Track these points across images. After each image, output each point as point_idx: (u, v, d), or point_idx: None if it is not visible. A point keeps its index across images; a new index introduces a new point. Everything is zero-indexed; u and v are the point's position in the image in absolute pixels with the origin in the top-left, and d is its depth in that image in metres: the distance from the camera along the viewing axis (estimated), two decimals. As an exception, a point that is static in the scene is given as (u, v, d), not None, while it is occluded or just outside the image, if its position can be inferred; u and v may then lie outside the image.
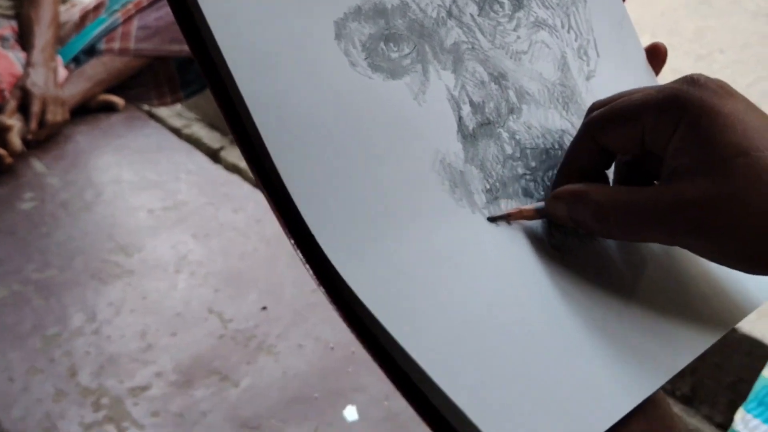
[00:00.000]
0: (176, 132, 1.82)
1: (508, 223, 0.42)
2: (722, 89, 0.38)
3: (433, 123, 0.41)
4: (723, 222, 0.36)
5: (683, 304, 0.44)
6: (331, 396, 0.97)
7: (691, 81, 0.38)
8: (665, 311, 0.43)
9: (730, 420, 1.06)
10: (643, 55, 0.52)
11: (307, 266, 0.36)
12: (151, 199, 1.52)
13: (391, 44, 0.41)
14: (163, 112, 2.00)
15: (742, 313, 0.45)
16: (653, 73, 0.52)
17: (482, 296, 0.38)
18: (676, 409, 1.19)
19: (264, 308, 1.15)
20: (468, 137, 0.42)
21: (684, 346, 0.42)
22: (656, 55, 0.52)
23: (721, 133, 0.36)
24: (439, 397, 0.34)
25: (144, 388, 1.03)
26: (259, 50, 0.36)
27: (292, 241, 0.36)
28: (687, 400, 1.22)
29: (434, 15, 0.43)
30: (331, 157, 0.37)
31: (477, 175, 0.42)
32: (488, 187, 0.42)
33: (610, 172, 0.45)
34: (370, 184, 0.38)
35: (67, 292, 1.25)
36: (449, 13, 0.43)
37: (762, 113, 0.38)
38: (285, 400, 0.98)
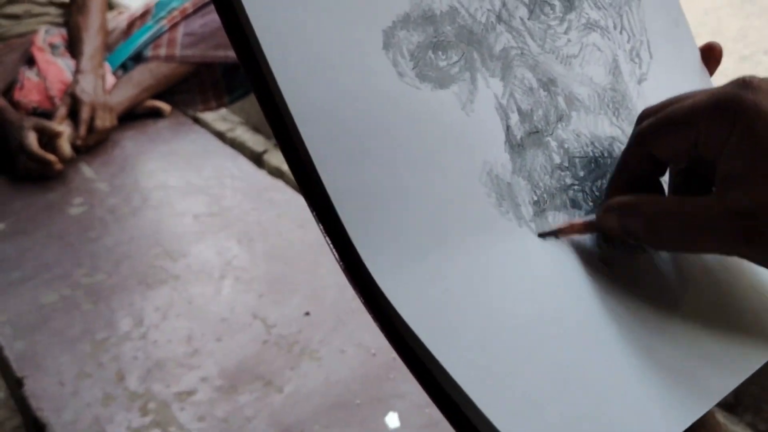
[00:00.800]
0: (220, 136, 1.84)
1: (557, 238, 0.41)
2: None
3: (480, 133, 0.40)
4: None
5: (734, 321, 0.43)
6: (372, 402, 0.98)
7: (744, 84, 0.37)
8: (715, 328, 0.42)
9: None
10: (698, 55, 0.50)
11: (349, 279, 0.36)
12: (196, 204, 1.54)
13: (440, 52, 0.40)
14: (207, 116, 2.02)
15: None
16: (707, 74, 0.50)
17: (527, 315, 0.37)
18: (720, 416, 1.18)
19: (307, 314, 1.16)
20: (515, 147, 0.41)
21: (735, 367, 0.41)
22: (711, 55, 0.51)
23: None
24: (479, 419, 0.34)
25: (190, 393, 1.04)
26: (306, 61, 0.36)
27: (336, 255, 0.36)
28: (730, 408, 1.21)
29: (483, 20, 0.42)
30: (375, 169, 0.37)
31: (524, 186, 0.41)
32: (535, 198, 0.41)
33: (665, 180, 0.44)
34: (415, 198, 0.37)
35: (115, 296, 1.27)
36: (499, 18, 0.42)
37: None
38: (327, 406, 0.99)
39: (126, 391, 1.05)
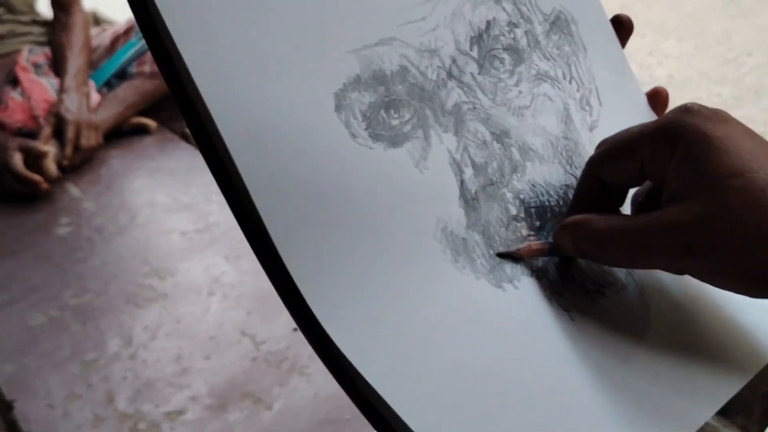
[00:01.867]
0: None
1: (517, 261, 0.41)
2: (716, 115, 0.39)
3: (434, 190, 0.41)
4: (718, 242, 0.36)
5: (702, 353, 0.43)
6: (362, 418, 0.98)
7: (686, 110, 0.39)
8: (682, 363, 0.42)
9: (765, 429, 1.06)
10: (644, 100, 0.52)
11: (307, 339, 0.36)
12: (183, 221, 1.54)
13: (392, 111, 0.40)
14: (194, 131, 2.01)
15: (764, 359, 0.44)
16: (655, 118, 0.51)
17: (490, 364, 0.38)
18: (712, 419, 1.18)
19: (295, 329, 1.16)
20: (470, 201, 0.42)
21: (705, 398, 0.41)
22: (658, 99, 0.53)
23: (714, 157, 0.37)
24: None
25: (180, 413, 1.04)
26: (257, 126, 0.36)
27: (291, 313, 0.36)
28: (722, 411, 1.21)
29: (434, 77, 0.42)
30: (330, 229, 0.37)
31: (479, 240, 0.41)
32: (491, 252, 0.41)
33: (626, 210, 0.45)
34: (370, 257, 0.37)
35: (103, 316, 1.27)
36: (449, 74, 0.43)
37: (758, 137, 0.39)
38: (317, 422, 0.99)
39: (116, 412, 1.05)
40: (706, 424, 0.43)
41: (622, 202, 0.44)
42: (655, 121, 0.40)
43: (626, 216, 0.41)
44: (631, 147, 0.41)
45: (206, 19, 0.36)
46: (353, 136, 0.39)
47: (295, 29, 0.38)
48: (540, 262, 0.42)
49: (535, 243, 0.42)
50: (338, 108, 0.39)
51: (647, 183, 0.44)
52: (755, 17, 3.65)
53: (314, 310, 0.35)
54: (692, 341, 0.43)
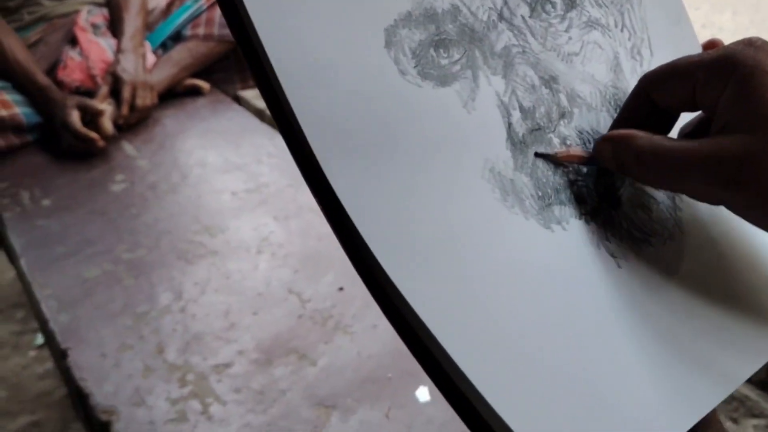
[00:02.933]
0: (259, 114, 1.85)
1: (556, 163, 0.41)
2: None
3: (482, 131, 0.40)
4: (762, 177, 0.35)
5: (748, 305, 0.43)
6: (404, 376, 0.99)
7: (749, 42, 0.38)
8: (728, 313, 0.42)
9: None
10: (700, 51, 0.50)
11: (363, 279, 0.36)
12: (234, 181, 1.56)
13: (441, 50, 0.40)
14: (246, 93, 2.03)
15: None
16: None
17: (540, 311, 0.38)
18: (753, 394, 1.17)
19: (341, 289, 1.18)
20: (518, 144, 0.41)
21: (754, 350, 0.41)
22: None
23: None
24: (492, 417, 0.34)
25: (227, 366, 1.06)
26: (308, 61, 0.36)
27: (348, 254, 0.36)
28: (763, 386, 1.20)
29: (485, 18, 0.42)
30: (381, 168, 0.37)
31: (527, 182, 0.41)
32: (540, 194, 0.41)
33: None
34: (420, 195, 0.37)
35: (155, 271, 1.29)
36: (500, 16, 0.43)
37: None
38: (359, 380, 1.00)
39: (165, 363, 1.07)
40: (719, 423, 0.43)
41: (669, 129, 0.43)
42: (716, 50, 0.39)
43: (671, 138, 0.40)
44: (687, 69, 0.40)
45: None
46: (402, 73, 0.39)
47: None
48: (587, 200, 0.42)
49: (574, 149, 0.42)
50: (388, 44, 0.39)
51: (697, 115, 0.43)
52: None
53: (374, 251, 0.35)
54: (734, 293, 0.43)
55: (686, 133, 0.44)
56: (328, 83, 0.36)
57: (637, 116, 0.43)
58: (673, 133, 0.44)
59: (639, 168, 0.40)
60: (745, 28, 3.12)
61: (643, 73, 0.46)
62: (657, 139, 0.40)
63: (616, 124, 0.44)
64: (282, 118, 0.36)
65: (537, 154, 0.41)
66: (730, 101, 0.37)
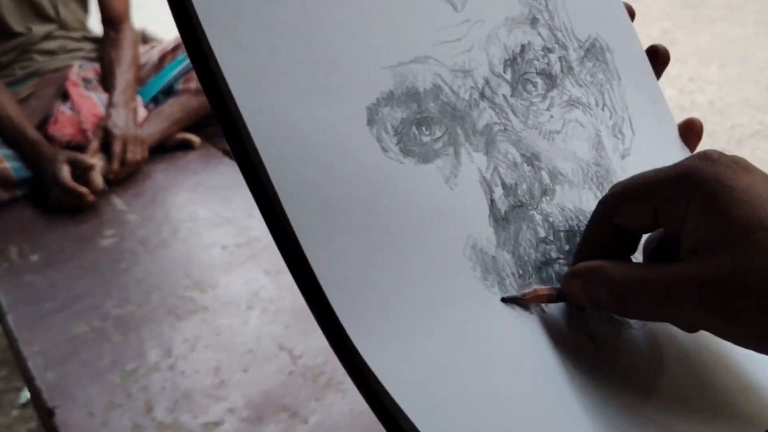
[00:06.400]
0: (250, 168, 1.85)
1: (525, 306, 0.40)
2: (737, 164, 0.37)
3: (464, 207, 0.40)
4: (745, 299, 0.34)
5: (713, 405, 0.42)
6: (397, 434, 0.98)
7: (705, 157, 0.37)
8: (695, 413, 0.41)
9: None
10: (676, 131, 0.51)
11: (336, 353, 0.36)
12: (225, 235, 1.56)
13: (423, 128, 0.40)
14: (237, 148, 2.03)
15: None
16: (687, 149, 0.51)
17: (512, 391, 0.37)
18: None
19: (332, 345, 1.16)
20: (500, 221, 0.41)
21: None
22: (692, 131, 0.51)
23: (737, 208, 0.35)
24: None
25: (217, 424, 1.05)
26: (291, 137, 0.36)
27: (321, 326, 0.36)
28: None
29: (467, 97, 0.42)
30: (360, 243, 0.37)
31: (509, 260, 0.41)
32: (521, 272, 0.41)
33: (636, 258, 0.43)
34: (400, 271, 0.37)
35: (144, 327, 1.28)
36: (482, 95, 0.43)
37: None
38: (352, 438, 0.99)
39: (155, 421, 1.06)
40: None
41: (633, 249, 0.42)
42: (673, 167, 0.38)
43: (643, 265, 0.39)
44: (647, 191, 0.39)
45: (245, 35, 0.37)
46: (384, 150, 0.39)
47: (333, 44, 0.39)
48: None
49: (541, 289, 0.41)
50: (370, 122, 0.39)
51: (660, 230, 0.42)
52: (799, 45, 3.62)
53: (344, 324, 0.35)
54: (704, 393, 0.42)
55: (652, 249, 0.43)
56: (311, 159, 0.37)
57: (601, 241, 0.42)
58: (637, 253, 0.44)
59: (615, 302, 0.38)
60: (732, 80, 3.16)
61: (624, 151, 0.48)
62: (628, 268, 0.38)
63: (581, 251, 0.43)
64: (262, 195, 0.36)
65: (504, 299, 0.40)
66: (696, 221, 0.36)
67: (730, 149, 2.60)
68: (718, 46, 3.67)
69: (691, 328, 0.39)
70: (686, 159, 0.38)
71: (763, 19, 4.00)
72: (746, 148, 2.62)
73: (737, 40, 3.71)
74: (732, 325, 0.35)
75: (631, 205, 0.39)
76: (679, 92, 3.05)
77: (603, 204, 0.41)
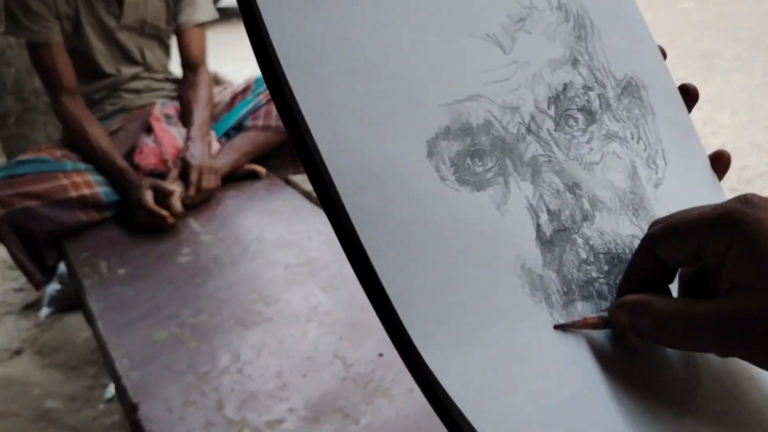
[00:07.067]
0: (308, 196, 1.88)
1: (573, 331, 0.41)
2: None
3: (514, 230, 0.41)
4: None
5: (746, 425, 0.42)
6: (438, 436, 0.99)
7: (745, 200, 0.37)
8: (727, 427, 0.41)
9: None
10: (707, 162, 0.51)
11: (404, 360, 0.36)
12: (287, 255, 1.59)
13: (476, 159, 0.41)
14: (297, 178, 2.07)
15: None
16: (716, 179, 0.51)
17: (555, 402, 0.38)
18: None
19: (380, 355, 1.18)
20: (546, 243, 0.42)
21: None
22: (720, 162, 0.51)
23: None
24: None
25: (279, 422, 1.07)
26: (362, 170, 0.37)
27: (390, 337, 0.37)
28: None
29: (515, 131, 0.43)
30: (424, 264, 0.37)
31: (554, 278, 0.41)
32: (565, 290, 0.41)
33: (674, 287, 0.43)
34: (460, 289, 0.38)
35: (216, 335, 1.32)
36: (528, 129, 0.43)
37: None
38: (398, 438, 1.00)
39: (225, 418, 1.09)
40: None
41: (672, 279, 0.42)
42: (715, 208, 0.38)
43: (685, 300, 0.39)
44: (690, 230, 0.38)
45: (322, 75, 0.38)
46: (442, 179, 0.40)
47: (396, 85, 0.40)
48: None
49: (590, 318, 0.41)
50: (430, 154, 0.40)
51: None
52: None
53: (412, 336, 0.36)
54: (737, 414, 0.42)
55: (687, 279, 0.43)
56: (378, 188, 0.37)
57: (644, 272, 0.42)
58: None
59: (658, 333, 0.38)
60: (742, 125, 3.14)
61: (657, 180, 0.47)
62: (671, 302, 0.38)
63: (626, 282, 0.43)
64: (338, 219, 0.37)
65: (556, 327, 0.40)
66: (736, 261, 0.36)
67: (741, 188, 2.57)
68: (730, 94, 3.63)
69: (726, 356, 0.39)
70: (728, 202, 0.38)
71: (771, 71, 3.97)
72: (755, 187, 2.59)
73: (747, 89, 3.67)
74: (763, 355, 0.35)
75: (675, 241, 0.39)
76: (694, 135, 3.02)
77: (648, 240, 0.41)
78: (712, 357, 0.42)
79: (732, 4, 5.84)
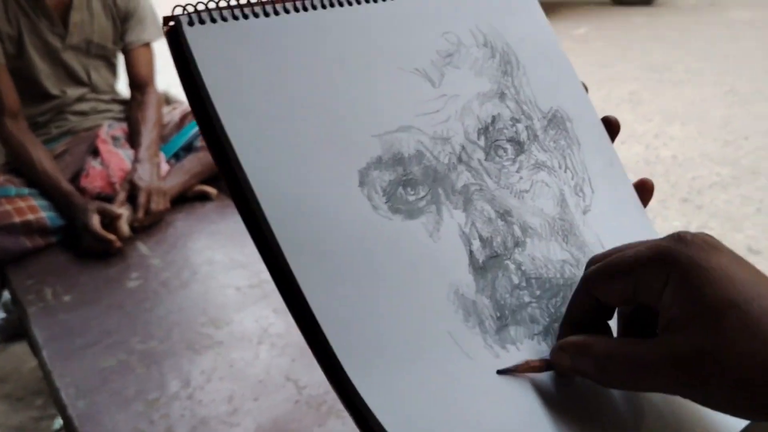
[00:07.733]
0: (261, 217, 1.86)
1: (517, 376, 0.41)
2: (707, 244, 0.37)
3: (446, 257, 0.42)
4: (716, 374, 0.34)
5: None
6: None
7: (678, 238, 0.38)
8: None
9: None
10: (632, 189, 0.53)
11: (333, 387, 0.36)
12: (238, 278, 1.58)
13: (409, 188, 0.42)
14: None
15: None
16: (641, 205, 0.53)
17: (494, 423, 0.38)
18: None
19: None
20: (478, 269, 0.42)
21: None
22: (645, 188, 0.53)
23: (709, 287, 0.35)
24: None
25: (230, 448, 1.05)
26: (292, 199, 0.38)
27: (321, 366, 0.36)
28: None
29: (446, 161, 0.44)
30: (356, 291, 0.38)
31: (488, 304, 0.42)
32: (498, 314, 0.42)
33: (613, 323, 0.44)
34: (390, 313, 0.38)
35: (165, 360, 1.30)
36: (459, 159, 0.45)
37: (748, 265, 0.37)
38: (351, 460, 1.00)
39: (174, 446, 1.07)
40: None
41: (610, 316, 0.43)
42: (650, 247, 0.38)
43: (625, 341, 0.39)
44: (625, 270, 0.39)
45: (251, 108, 0.38)
46: (375, 208, 0.40)
47: (327, 117, 0.41)
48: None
49: (532, 361, 0.41)
50: (362, 183, 0.40)
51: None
52: (751, 106, 3.67)
53: (345, 367, 0.36)
54: None
55: (626, 315, 0.44)
56: (309, 217, 0.38)
57: (583, 312, 0.42)
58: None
59: (600, 375, 0.39)
60: (693, 137, 3.20)
61: (585, 207, 0.49)
62: (611, 344, 0.39)
63: (566, 322, 0.43)
64: (266, 248, 0.37)
65: (500, 372, 0.40)
66: (672, 299, 0.36)
67: (691, 198, 2.62)
68: (680, 106, 3.70)
69: (669, 394, 0.39)
70: (661, 240, 0.38)
71: (720, 82, 4.06)
72: (706, 197, 2.64)
73: (697, 101, 3.75)
74: (707, 397, 0.35)
75: (611, 281, 0.40)
76: (646, 148, 3.07)
77: (586, 281, 0.42)
78: (656, 394, 0.43)
79: (683, 16, 5.97)
